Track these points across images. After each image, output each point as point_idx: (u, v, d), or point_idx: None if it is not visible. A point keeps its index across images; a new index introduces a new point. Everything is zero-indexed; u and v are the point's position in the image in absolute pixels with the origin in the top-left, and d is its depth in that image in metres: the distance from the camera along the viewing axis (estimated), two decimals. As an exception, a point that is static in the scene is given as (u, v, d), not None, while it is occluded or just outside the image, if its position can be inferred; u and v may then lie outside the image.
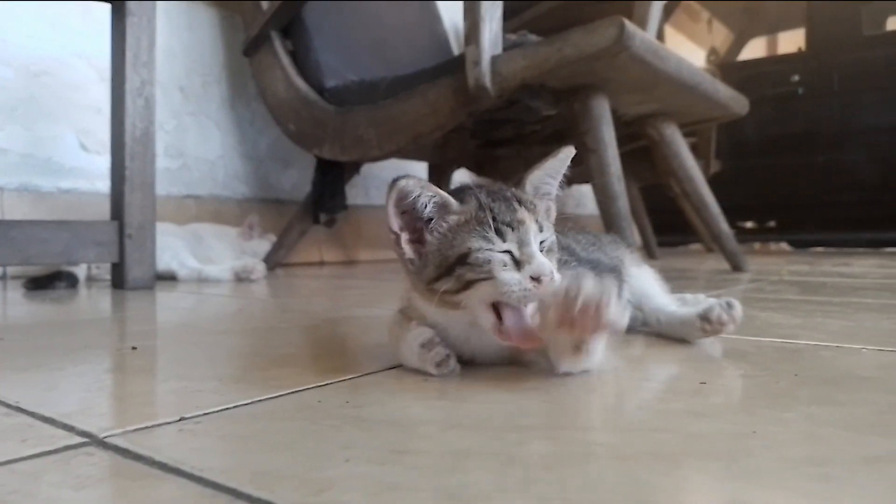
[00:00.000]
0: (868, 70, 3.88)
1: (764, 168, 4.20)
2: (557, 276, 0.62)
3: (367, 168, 2.90)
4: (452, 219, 0.65)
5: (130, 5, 1.68)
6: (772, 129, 4.16)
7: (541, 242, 0.64)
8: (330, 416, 0.53)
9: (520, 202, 0.65)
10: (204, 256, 2.05)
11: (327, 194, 2.33)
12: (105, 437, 0.48)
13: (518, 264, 0.62)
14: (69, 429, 0.50)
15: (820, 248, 4.29)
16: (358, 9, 2.48)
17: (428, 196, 0.65)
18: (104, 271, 1.86)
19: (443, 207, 0.65)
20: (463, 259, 0.63)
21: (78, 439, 0.48)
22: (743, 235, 4.53)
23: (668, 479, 0.39)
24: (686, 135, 2.23)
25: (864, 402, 0.56)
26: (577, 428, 0.50)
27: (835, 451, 0.44)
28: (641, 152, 2.41)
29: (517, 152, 2.52)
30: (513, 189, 0.67)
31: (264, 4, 2.25)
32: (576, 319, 0.57)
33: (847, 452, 0.44)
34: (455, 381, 0.65)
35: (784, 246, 4.72)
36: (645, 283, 0.91)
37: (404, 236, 0.67)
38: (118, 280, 1.71)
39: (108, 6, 1.72)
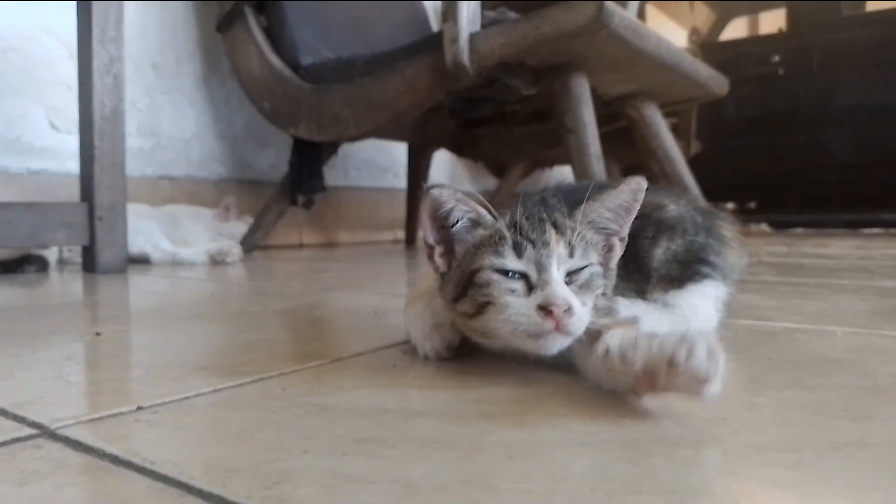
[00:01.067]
0: (848, 51, 3.89)
1: (744, 149, 4.22)
2: (581, 311, 0.53)
3: (346, 148, 2.87)
4: (479, 233, 0.60)
5: (96, -22, 1.62)
6: (753, 109, 4.17)
7: (572, 272, 0.57)
8: (293, 405, 0.51)
9: (555, 223, 0.58)
10: (179, 239, 2.01)
11: (305, 175, 2.29)
12: (56, 429, 0.46)
13: (531, 290, 0.55)
14: (20, 420, 0.48)
15: (800, 229, 4.33)
16: (334, -17, 2.42)
17: (462, 210, 0.60)
18: (76, 254, 1.82)
19: (475, 222, 0.61)
20: (473, 277, 0.57)
21: (28, 431, 0.46)
22: (723, 217, 4.54)
23: (634, 468, 0.39)
24: (666, 115, 2.22)
25: (836, 385, 0.56)
26: (546, 414, 0.49)
27: (805, 437, 0.44)
28: (621, 133, 2.40)
29: (497, 132, 2.50)
30: (553, 212, 0.60)
31: (238, -21, 2.19)
32: (661, 382, 0.47)
33: (817, 438, 0.43)
34: (425, 366, 0.64)
35: (764, 227, 4.76)
36: None
37: (438, 249, 0.62)
38: (89, 263, 1.67)
39: (73, -21, 1.66)
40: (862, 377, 0.59)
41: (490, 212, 0.60)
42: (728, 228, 0.80)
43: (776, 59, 4.08)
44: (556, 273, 0.55)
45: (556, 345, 0.54)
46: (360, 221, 3.17)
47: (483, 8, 1.62)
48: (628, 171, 3.64)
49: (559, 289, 0.54)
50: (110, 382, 0.62)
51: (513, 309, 0.54)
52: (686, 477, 0.38)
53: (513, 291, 0.55)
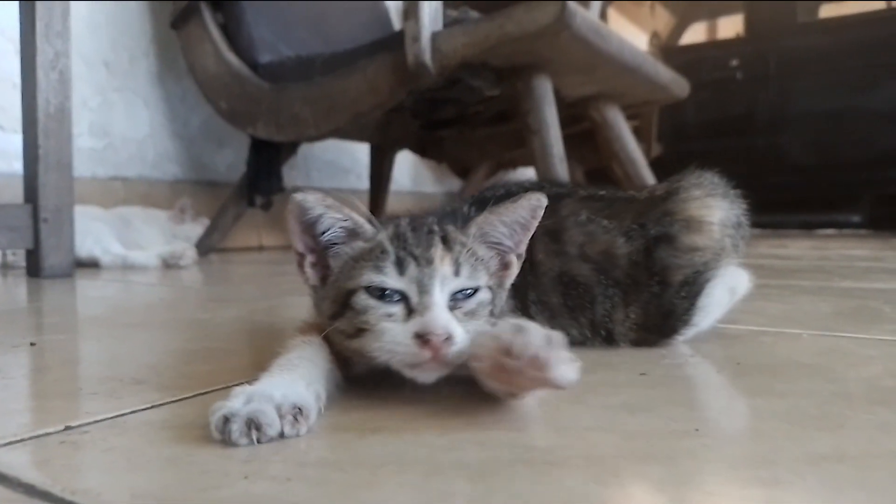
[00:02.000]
0: (803, 56, 4.00)
1: (704, 151, 4.29)
2: (461, 338, 0.49)
3: (306, 149, 2.81)
4: (358, 246, 0.54)
5: (40, -31, 1.54)
6: (712, 112, 4.25)
7: (458, 294, 0.52)
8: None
9: (444, 238, 0.53)
10: (132, 241, 1.94)
11: (263, 175, 2.23)
12: None
13: (411, 313, 0.50)
14: (-72, 445, 0.43)
15: (756, 230, 4.42)
16: (294, -19, 2.37)
17: (334, 218, 0.54)
18: (21, 258, 1.73)
19: (353, 232, 0.55)
20: (350, 296, 0.52)
21: (-68, 458, 0.41)
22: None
23: (603, 489, 0.36)
24: (628, 118, 2.23)
25: (806, 392, 0.54)
26: (508, 429, 0.46)
27: (780, 450, 0.42)
28: (584, 135, 2.41)
29: (460, 133, 2.48)
30: (444, 225, 0.55)
31: (193, -26, 2.12)
32: (512, 377, 0.45)
33: (792, 450, 0.41)
34: (379, 378, 0.61)
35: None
36: None
37: (309, 258, 0.56)
38: (33, 268, 1.59)
39: (15, -30, 1.58)
40: (831, 382, 0.57)
41: (370, 221, 0.55)
42: (683, 211, 0.71)
43: (734, 63, 4.17)
44: (439, 295, 0.50)
45: (433, 375, 0.50)
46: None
47: (445, 7, 1.59)
48: (591, 173, 3.68)
49: (439, 315, 0.49)
50: (38, 399, 0.58)
51: (388, 336, 0.49)
52: (658, 497, 0.35)
53: (389, 316, 0.50)
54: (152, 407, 0.52)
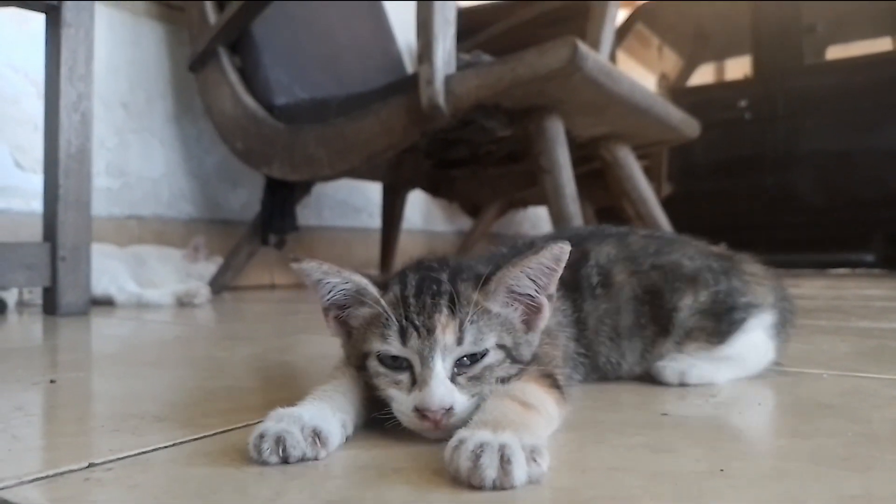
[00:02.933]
0: (811, 97, 4.03)
1: (714, 191, 4.30)
2: (465, 407, 0.50)
3: (319, 188, 2.84)
4: (367, 310, 0.55)
5: (66, 16, 1.59)
6: (721, 152, 4.27)
7: (465, 359, 0.52)
8: (258, 461, 0.47)
9: (451, 301, 0.53)
10: (146, 280, 1.95)
11: (277, 214, 2.25)
12: None
13: (415, 383, 0.51)
14: (-46, 481, 0.43)
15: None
16: (309, 25, 2.43)
17: (334, 282, 0.56)
18: (37, 296, 1.75)
19: (357, 295, 0.56)
20: (365, 359, 0.54)
21: (-42, 496, 0.41)
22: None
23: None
24: (638, 158, 2.25)
25: (831, 432, 0.54)
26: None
27: (808, 490, 0.41)
28: (596, 175, 2.42)
29: (473, 173, 2.50)
30: (457, 283, 0.55)
31: (212, 19, 2.18)
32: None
33: (820, 491, 0.41)
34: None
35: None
36: None
37: (331, 312, 0.58)
38: (50, 305, 1.60)
39: (43, 17, 1.64)
40: (857, 423, 0.57)
41: (374, 282, 0.56)
42: (749, 265, 0.79)
43: (743, 104, 4.21)
44: (440, 367, 0.50)
45: (437, 435, 0.50)
46: (334, 262, 3.10)
47: (459, 51, 1.63)
48: (602, 211, 3.69)
49: (437, 390, 0.49)
50: (61, 436, 0.58)
51: (395, 404, 0.52)
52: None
53: (397, 384, 0.52)
54: (174, 444, 0.52)
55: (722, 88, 4.72)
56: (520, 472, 0.41)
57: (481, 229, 3.60)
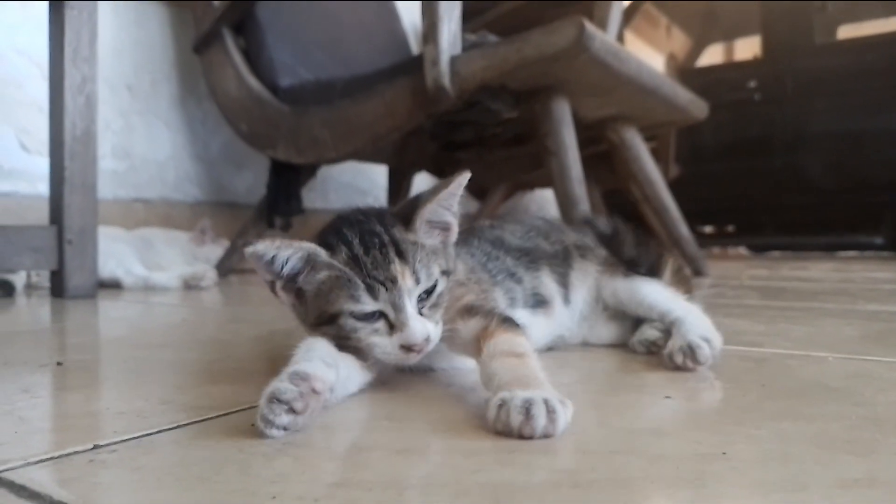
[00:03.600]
0: (821, 77, 3.97)
1: (722, 173, 4.27)
2: (437, 331, 0.60)
3: (325, 170, 2.84)
4: (323, 274, 0.60)
5: (69, -3, 1.58)
6: (729, 134, 4.23)
7: (423, 294, 0.60)
8: (262, 443, 0.48)
9: (397, 249, 0.60)
10: (153, 262, 1.96)
11: (282, 197, 2.25)
12: (1, 472, 0.42)
13: (392, 328, 0.59)
14: (-39, 463, 0.44)
15: (777, 252, 4.38)
16: (313, 6, 2.41)
17: (287, 254, 0.59)
18: (45, 279, 1.76)
19: (310, 260, 0.60)
20: (335, 318, 0.60)
21: (-34, 476, 0.42)
22: (702, 240, 4.60)
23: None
24: (646, 139, 2.23)
25: (834, 416, 0.54)
26: (534, 452, 0.46)
27: (810, 474, 0.41)
28: (602, 157, 2.40)
29: (478, 155, 2.48)
30: (391, 230, 0.61)
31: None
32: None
33: (823, 475, 0.41)
34: (403, 397, 0.61)
35: (742, 250, 4.80)
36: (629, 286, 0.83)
37: (278, 283, 0.62)
38: (57, 288, 1.61)
39: (46, -1, 1.63)
40: (860, 406, 0.56)
41: (322, 244, 0.60)
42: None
43: (752, 84, 4.15)
44: (411, 308, 0.59)
45: (418, 360, 0.60)
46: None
47: (465, 31, 1.61)
48: (609, 193, 3.68)
49: (417, 327, 0.58)
50: (67, 418, 0.58)
51: (379, 349, 0.59)
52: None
53: (376, 331, 0.59)
54: (178, 426, 0.52)
55: (731, 69, 4.66)
56: (563, 419, 0.48)
57: (488, 211, 3.59)
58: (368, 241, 0.60)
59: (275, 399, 0.49)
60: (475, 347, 0.59)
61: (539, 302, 0.78)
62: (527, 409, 0.48)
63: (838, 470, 0.41)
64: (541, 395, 0.49)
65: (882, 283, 1.88)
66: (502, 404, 0.49)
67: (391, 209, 0.67)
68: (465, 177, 0.62)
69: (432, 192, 0.63)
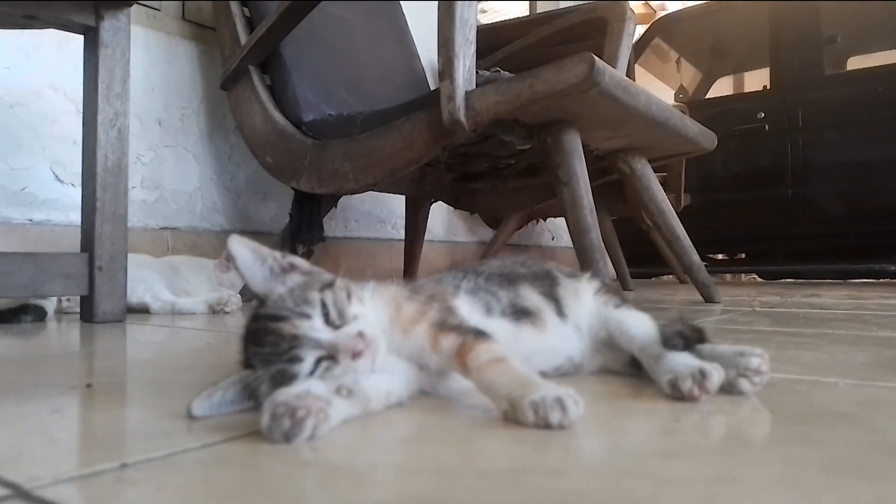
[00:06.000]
0: (830, 108, 3.98)
1: (733, 202, 4.27)
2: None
3: (345, 200, 2.90)
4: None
5: (104, 37, 1.66)
6: (740, 164, 4.24)
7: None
8: (282, 462, 0.50)
9: None
10: (180, 289, 2.00)
11: (305, 226, 2.30)
12: (32, 489, 0.44)
13: None
14: (-7, 479, 0.46)
15: (789, 280, 4.34)
16: (335, 44, 2.49)
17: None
18: (75, 304, 1.80)
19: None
20: None
21: (1, 492, 0.44)
22: (714, 267, 4.59)
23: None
24: (657, 169, 2.25)
25: (845, 442, 0.54)
26: (544, 474, 0.47)
27: (818, 499, 0.42)
28: (613, 186, 2.43)
29: (492, 185, 2.52)
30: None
31: (243, 39, 2.25)
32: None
33: (830, 499, 0.41)
34: (418, 419, 0.63)
35: (754, 277, 4.76)
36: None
37: None
38: (87, 313, 1.65)
39: (81, 38, 1.71)
40: (871, 433, 0.57)
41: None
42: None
43: (761, 115, 4.16)
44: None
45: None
46: (359, 271, 3.10)
47: (478, 68, 1.66)
48: (622, 222, 3.69)
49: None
50: (96, 438, 0.60)
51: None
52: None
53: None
54: (204, 447, 0.54)
55: (740, 100, 4.68)
56: (574, 411, 0.56)
57: (502, 240, 3.62)
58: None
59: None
60: (458, 363, 0.62)
61: (521, 313, 0.76)
62: (538, 406, 0.55)
63: (846, 495, 0.42)
64: (555, 393, 0.55)
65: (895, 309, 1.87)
66: (538, 406, 0.55)
67: None
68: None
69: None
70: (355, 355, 0.59)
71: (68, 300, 1.84)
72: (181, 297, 1.94)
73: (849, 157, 3.91)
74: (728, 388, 0.70)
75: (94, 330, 1.50)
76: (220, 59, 2.39)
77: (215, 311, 1.89)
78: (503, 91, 1.57)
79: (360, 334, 0.60)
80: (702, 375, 0.66)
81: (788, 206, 4.07)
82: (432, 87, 2.79)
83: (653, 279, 4.82)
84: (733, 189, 4.25)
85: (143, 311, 1.87)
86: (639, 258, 4.02)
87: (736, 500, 0.42)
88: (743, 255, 4.64)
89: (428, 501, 0.42)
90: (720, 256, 4.76)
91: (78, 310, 1.73)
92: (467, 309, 0.73)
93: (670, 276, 4.46)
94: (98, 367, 1.04)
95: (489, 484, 0.45)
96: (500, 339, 0.66)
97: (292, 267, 0.67)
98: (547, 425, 0.55)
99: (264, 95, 2.19)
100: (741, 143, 4.14)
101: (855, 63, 4.41)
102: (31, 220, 2.13)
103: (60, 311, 1.84)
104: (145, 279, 1.90)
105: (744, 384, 0.69)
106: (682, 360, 0.70)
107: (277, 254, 0.67)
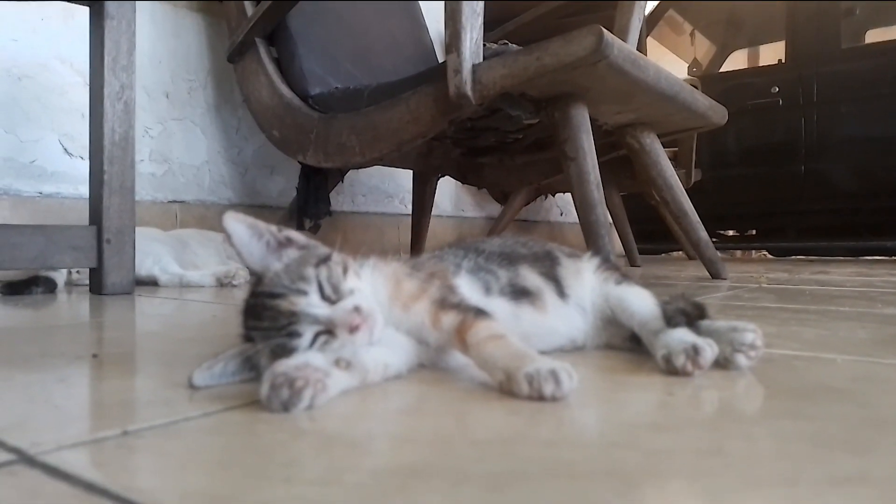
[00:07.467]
0: (846, 82, 3.91)
1: (744, 177, 4.22)
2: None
3: (352, 175, 2.90)
4: None
5: (109, 7, 1.65)
6: (752, 138, 4.18)
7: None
8: (280, 430, 0.51)
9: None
10: (188, 262, 2.02)
11: (312, 200, 2.31)
12: (36, 454, 0.45)
13: None
14: (-2, 444, 0.47)
15: (800, 256, 4.31)
16: (343, 17, 2.47)
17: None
18: (85, 276, 1.83)
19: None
20: None
21: (5, 456, 0.45)
22: (724, 243, 4.56)
23: (622, 501, 0.38)
24: (667, 145, 2.23)
25: (835, 416, 0.54)
26: (535, 444, 0.48)
27: (802, 471, 0.42)
28: (622, 161, 2.41)
29: (499, 160, 2.51)
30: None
31: (249, 10, 2.23)
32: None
33: (815, 471, 0.42)
34: (415, 391, 0.64)
35: (764, 254, 4.73)
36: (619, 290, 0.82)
37: None
38: (96, 285, 1.67)
39: (87, 10, 1.70)
40: (863, 408, 0.57)
41: None
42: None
43: (775, 89, 4.10)
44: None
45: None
46: (366, 246, 3.16)
47: (486, 40, 1.64)
48: (630, 198, 3.67)
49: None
50: (99, 406, 0.62)
51: None
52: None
53: None
54: (204, 415, 0.55)
55: (754, 74, 4.60)
56: (568, 384, 0.56)
57: (509, 216, 3.62)
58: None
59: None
60: (457, 339, 0.63)
61: (520, 293, 0.76)
62: (534, 377, 0.56)
63: (832, 467, 0.42)
64: (549, 366, 0.56)
65: (907, 288, 1.85)
66: (532, 378, 0.56)
67: None
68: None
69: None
70: (352, 329, 0.59)
71: (78, 272, 1.87)
72: (189, 269, 1.96)
73: (864, 133, 3.84)
74: (724, 364, 0.70)
75: (102, 302, 1.52)
76: (227, 31, 2.38)
77: (223, 284, 1.91)
78: (510, 64, 1.56)
79: (357, 308, 0.61)
80: (695, 351, 0.66)
81: (801, 182, 4.03)
82: (441, 60, 2.76)
83: (662, 255, 4.80)
84: (745, 164, 4.20)
85: (151, 283, 1.89)
86: (648, 234, 4.01)
87: (722, 472, 0.42)
88: (754, 232, 4.60)
89: (420, 469, 0.42)
90: (731, 233, 4.73)
91: (87, 282, 1.76)
92: (467, 288, 0.74)
93: (679, 253, 4.45)
94: (105, 338, 1.05)
95: (480, 453, 0.45)
96: (499, 319, 0.67)
97: (289, 241, 0.67)
98: (541, 397, 0.56)
99: (271, 68, 2.18)
100: (754, 117, 4.08)
101: (874, 36, 4.31)
102: (40, 193, 2.15)
103: (70, 283, 1.87)
104: (154, 252, 1.92)
105: (739, 359, 0.69)
106: (678, 336, 0.70)
107: (274, 228, 0.67)
